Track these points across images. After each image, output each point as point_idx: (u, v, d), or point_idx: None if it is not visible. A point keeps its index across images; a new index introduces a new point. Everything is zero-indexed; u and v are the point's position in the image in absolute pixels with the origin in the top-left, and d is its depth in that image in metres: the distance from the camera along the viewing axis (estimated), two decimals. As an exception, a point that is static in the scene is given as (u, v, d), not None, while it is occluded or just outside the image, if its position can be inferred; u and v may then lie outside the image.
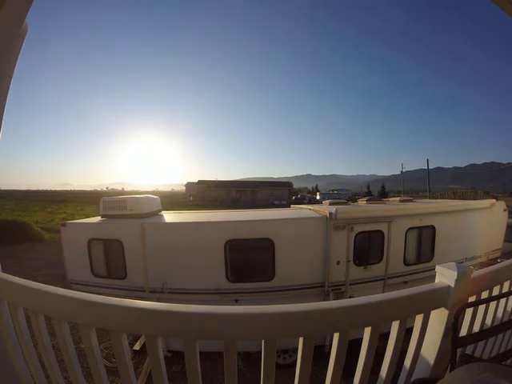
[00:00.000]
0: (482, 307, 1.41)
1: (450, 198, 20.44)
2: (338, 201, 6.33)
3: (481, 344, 1.48)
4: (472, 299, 1.27)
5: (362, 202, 6.78)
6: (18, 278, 1.21)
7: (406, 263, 4.95)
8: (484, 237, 5.83)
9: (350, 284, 4.58)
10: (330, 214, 4.44)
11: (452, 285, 1.13)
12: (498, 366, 0.59)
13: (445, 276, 1.17)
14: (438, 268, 1.22)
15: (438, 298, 1.15)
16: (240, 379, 1.06)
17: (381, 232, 4.78)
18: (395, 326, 1.15)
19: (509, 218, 6.34)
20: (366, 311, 1.06)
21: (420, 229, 5.08)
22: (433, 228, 5.16)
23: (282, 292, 4.37)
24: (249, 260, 4.61)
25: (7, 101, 1.33)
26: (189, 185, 61.53)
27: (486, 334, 1.35)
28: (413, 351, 1.21)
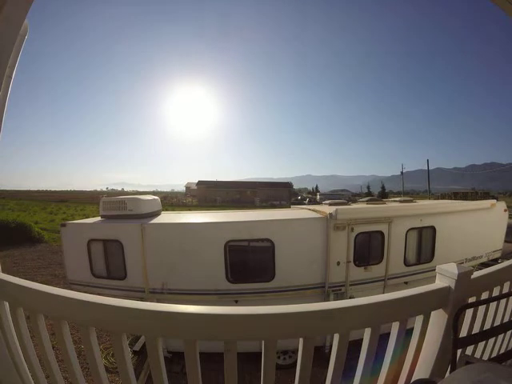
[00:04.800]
0: (482, 308, 1.40)
1: (451, 199, 20.44)
2: (338, 201, 6.33)
3: (481, 345, 1.47)
4: (472, 300, 1.26)
5: (362, 202, 6.78)
6: (17, 278, 1.21)
7: (407, 264, 4.95)
8: (484, 237, 5.83)
9: (350, 285, 4.57)
10: (330, 214, 4.44)
11: (452, 285, 1.13)
12: (498, 366, 0.59)
13: (445, 277, 1.17)
14: (438, 269, 1.21)
15: (438, 298, 1.15)
16: (240, 380, 1.06)
17: (381, 233, 4.77)
18: (395, 327, 1.14)
19: (509, 218, 6.33)
20: (366, 312, 1.05)
21: (420, 229, 5.08)
22: (433, 229, 5.16)
23: (281, 293, 4.37)
24: (249, 260, 4.61)
25: (7, 101, 1.33)
26: (189, 185, 61.56)
27: (486, 334, 1.35)
28: (413, 352, 1.20)
